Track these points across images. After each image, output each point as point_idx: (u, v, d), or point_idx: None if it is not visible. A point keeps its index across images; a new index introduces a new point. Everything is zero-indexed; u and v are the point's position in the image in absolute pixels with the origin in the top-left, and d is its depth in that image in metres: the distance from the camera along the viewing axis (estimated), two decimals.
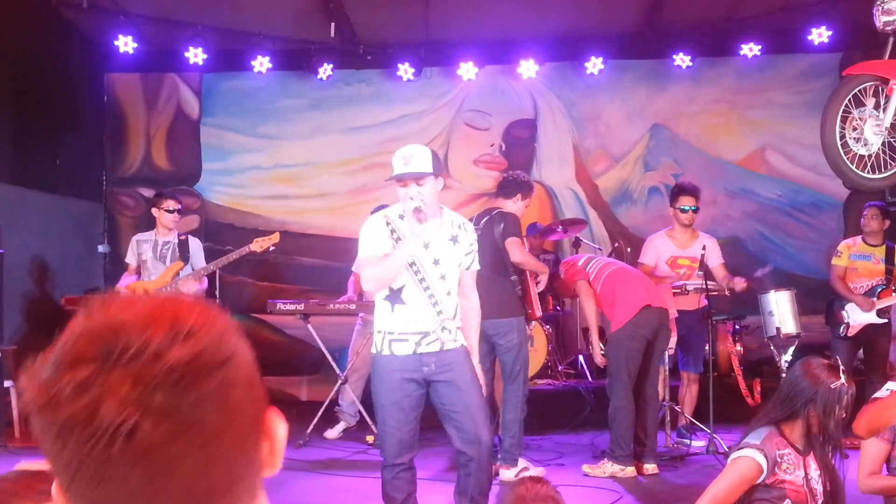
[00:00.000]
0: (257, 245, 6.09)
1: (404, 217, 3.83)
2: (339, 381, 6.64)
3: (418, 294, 3.79)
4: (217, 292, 8.48)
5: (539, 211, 9.00)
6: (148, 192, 8.99)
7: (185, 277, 6.14)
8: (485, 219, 5.56)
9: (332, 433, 6.77)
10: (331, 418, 6.79)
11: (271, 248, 6.13)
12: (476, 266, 4.04)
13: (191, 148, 9.45)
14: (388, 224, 3.86)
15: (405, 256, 3.73)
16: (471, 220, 4.59)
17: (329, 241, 9.23)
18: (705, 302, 6.31)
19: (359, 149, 9.32)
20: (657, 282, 6.12)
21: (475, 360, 3.98)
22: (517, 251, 5.44)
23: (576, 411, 7.06)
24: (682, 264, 6.46)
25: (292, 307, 6.75)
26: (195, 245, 6.36)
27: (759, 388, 6.50)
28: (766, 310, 6.34)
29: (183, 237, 6.35)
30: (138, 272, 6.31)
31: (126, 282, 6.25)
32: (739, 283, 6.20)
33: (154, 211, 6.37)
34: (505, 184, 5.79)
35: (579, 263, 5.99)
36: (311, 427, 6.45)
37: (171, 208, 6.30)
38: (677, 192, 6.54)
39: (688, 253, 6.47)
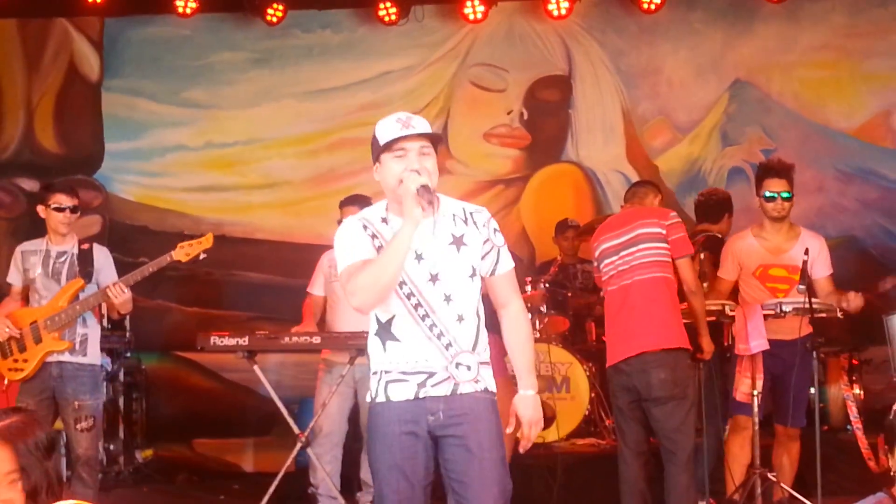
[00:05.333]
0: (182, 252, 6.03)
1: (406, 198, 3.67)
2: (298, 445, 6.63)
3: (414, 326, 3.79)
4: (127, 323, 8.49)
5: (575, 202, 9.01)
6: (29, 184, 9.02)
7: (93, 296, 6.12)
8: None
9: None
10: (286, 496, 6.78)
11: (202, 256, 6.10)
12: (507, 266, 3.94)
13: (89, 121, 9.49)
14: (366, 228, 3.85)
15: (404, 246, 3.67)
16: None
17: (283, 249, 9.26)
18: (809, 328, 6.31)
19: (322, 120, 9.36)
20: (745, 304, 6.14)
21: (528, 382, 3.90)
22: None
23: None
24: (777, 276, 6.44)
25: (232, 342, 6.73)
26: (102, 256, 6.35)
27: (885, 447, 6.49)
28: (895, 337, 6.33)
29: (86, 246, 6.35)
30: (26, 296, 6.32)
31: (6, 310, 6.27)
32: (854, 300, 6.19)
33: (40, 210, 6.38)
34: (707, 205, 7.00)
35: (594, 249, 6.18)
36: None
37: (62, 205, 6.31)
38: (762, 173, 6.53)
39: (784, 260, 6.42)
